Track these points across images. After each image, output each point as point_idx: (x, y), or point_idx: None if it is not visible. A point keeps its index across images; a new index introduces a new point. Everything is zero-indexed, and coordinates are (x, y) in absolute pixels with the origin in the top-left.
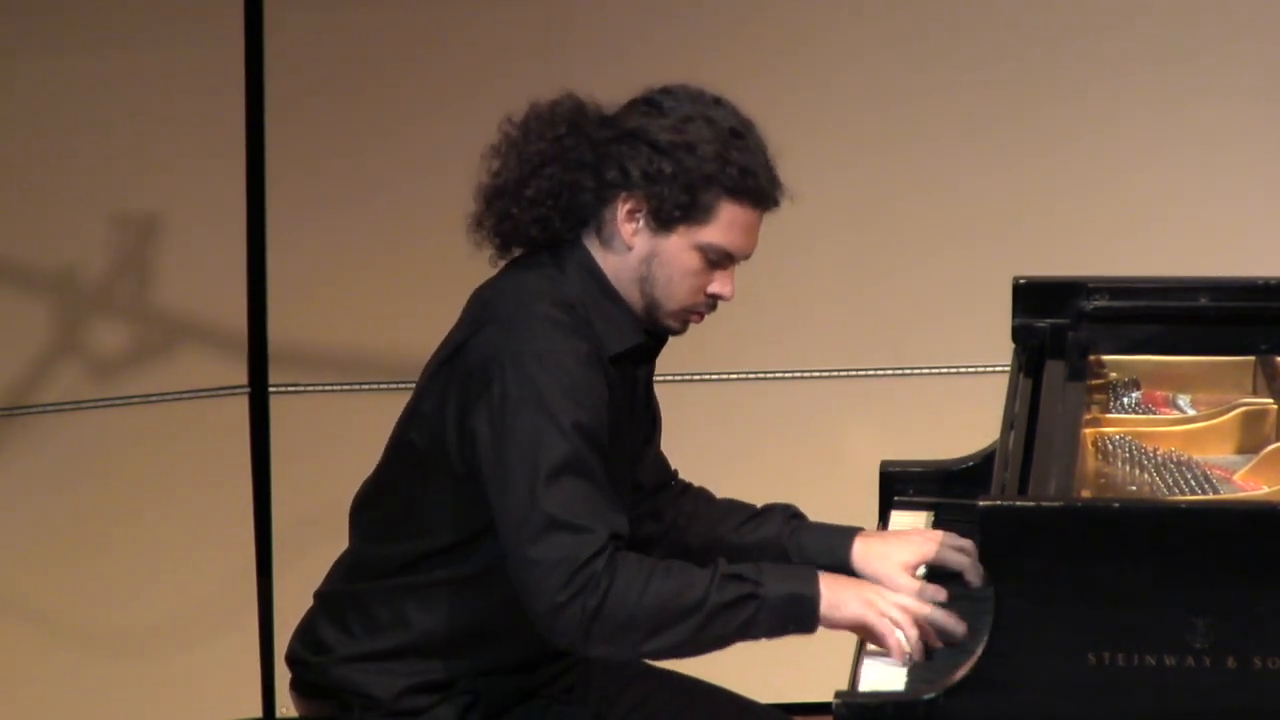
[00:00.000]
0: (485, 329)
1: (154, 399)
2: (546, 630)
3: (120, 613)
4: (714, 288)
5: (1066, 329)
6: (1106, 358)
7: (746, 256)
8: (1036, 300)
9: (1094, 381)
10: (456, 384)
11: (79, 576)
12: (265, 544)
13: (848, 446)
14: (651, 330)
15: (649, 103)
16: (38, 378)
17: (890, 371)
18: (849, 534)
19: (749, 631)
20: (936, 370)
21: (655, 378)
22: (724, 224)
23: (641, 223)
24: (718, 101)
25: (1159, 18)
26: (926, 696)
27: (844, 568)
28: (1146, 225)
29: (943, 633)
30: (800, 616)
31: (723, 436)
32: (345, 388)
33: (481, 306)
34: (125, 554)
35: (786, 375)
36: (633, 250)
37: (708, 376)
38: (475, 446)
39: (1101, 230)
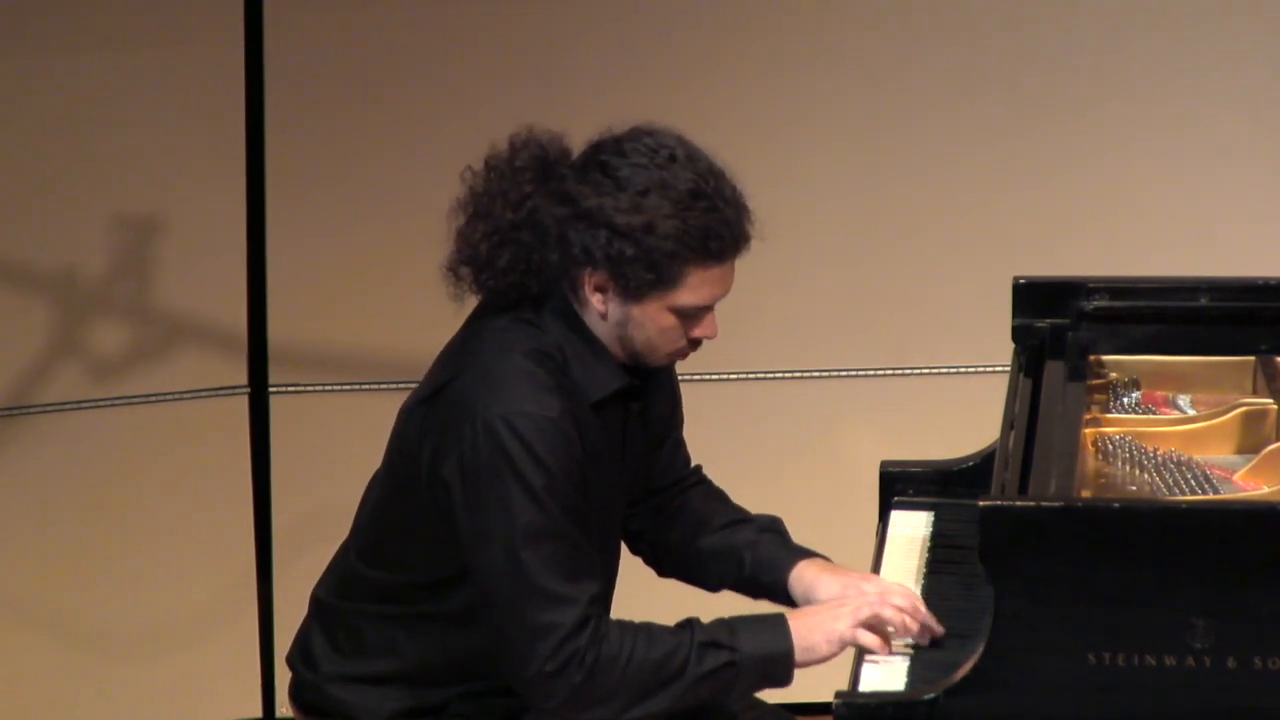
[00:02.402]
0: (461, 377)
1: (154, 399)
2: (527, 694)
3: (120, 613)
4: (697, 333)
5: (1066, 329)
6: (1106, 358)
7: (725, 296)
8: (1036, 300)
9: (1094, 381)
10: (432, 428)
11: (79, 576)
12: (265, 544)
13: (848, 446)
14: (635, 369)
15: (604, 170)
16: (38, 378)
17: (890, 371)
18: (797, 556)
19: (728, 693)
20: (936, 370)
21: None
22: (694, 286)
23: (611, 293)
24: (673, 157)
25: (1159, 22)
26: (927, 697)
27: (783, 586)
28: (1147, 225)
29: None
30: (776, 674)
31: (723, 436)
32: (345, 388)
33: (460, 349)
34: (125, 554)
35: (786, 375)
36: (606, 318)
37: (708, 376)
38: (448, 498)
39: (1101, 230)
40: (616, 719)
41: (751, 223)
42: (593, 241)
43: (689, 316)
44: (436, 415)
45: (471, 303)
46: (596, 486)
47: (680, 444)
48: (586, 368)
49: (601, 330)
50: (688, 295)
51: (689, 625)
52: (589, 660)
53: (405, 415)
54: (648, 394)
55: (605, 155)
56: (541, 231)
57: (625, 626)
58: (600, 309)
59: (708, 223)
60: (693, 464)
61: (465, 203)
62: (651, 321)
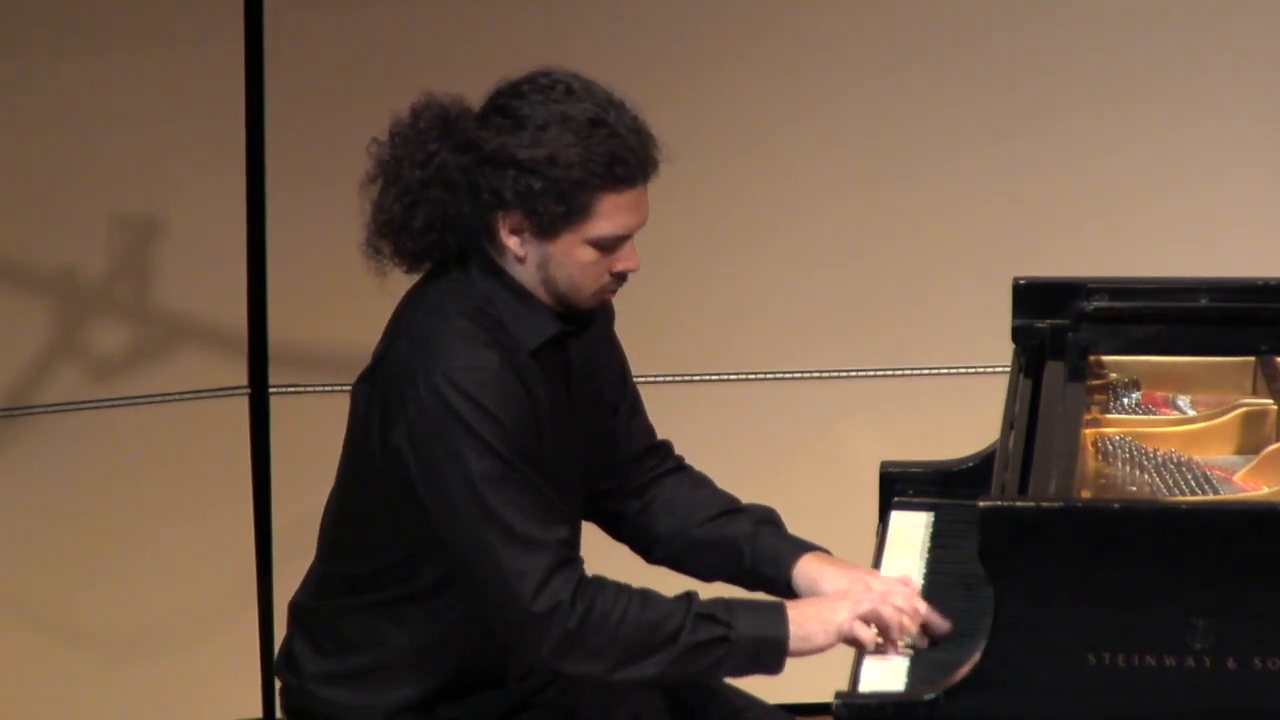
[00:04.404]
0: (396, 344)
1: (154, 399)
2: (515, 640)
3: (120, 613)
4: (619, 267)
5: (1066, 329)
6: (1106, 358)
7: (642, 226)
8: (1036, 301)
9: (1094, 382)
10: (376, 401)
11: (79, 576)
12: (265, 544)
13: (847, 447)
14: (569, 314)
15: (504, 113)
16: (38, 378)
17: (890, 372)
18: (799, 550)
19: (716, 671)
20: (936, 370)
21: (654, 376)
22: (606, 214)
23: (527, 234)
24: (570, 91)
25: (1160, 22)
26: (927, 697)
27: (786, 581)
28: (1147, 225)
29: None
30: (768, 659)
31: (722, 437)
32: (345, 388)
33: (395, 320)
34: (125, 554)
35: (786, 375)
36: (525, 261)
37: (708, 376)
38: (403, 466)
39: (1101, 230)
40: (604, 678)
41: (658, 149)
42: (500, 183)
43: (607, 248)
44: (379, 387)
45: (396, 276)
46: (548, 435)
47: (637, 413)
48: (519, 319)
49: (525, 277)
50: (602, 224)
51: (687, 596)
52: (580, 609)
53: (353, 395)
54: (588, 345)
55: (503, 99)
56: (451, 185)
57: (621, 586)
58: (519, 253)
59: (611, 148)
60: (660, 437)
61: (374, 174)
62: (570, 257)
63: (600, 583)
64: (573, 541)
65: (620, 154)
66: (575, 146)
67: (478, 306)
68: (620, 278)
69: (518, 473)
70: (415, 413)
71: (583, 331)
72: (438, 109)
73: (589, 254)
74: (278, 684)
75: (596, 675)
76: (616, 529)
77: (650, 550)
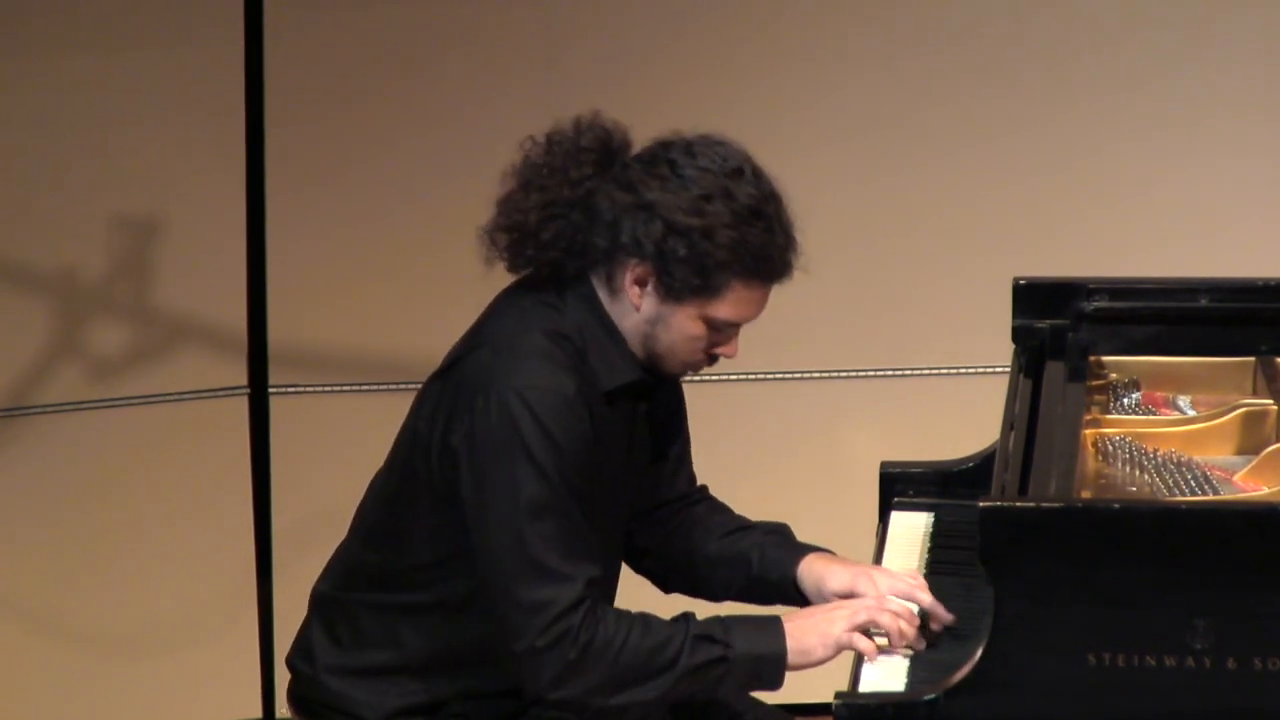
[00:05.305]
0: (478, 351)
1: (154, 399)
2: (518, 671)
3: (120, 613)
4: (719, 350)
5: (1066, 330)
6: (1106, 358)
7: (754, 320)
8: (1036, 301)
9: (1094, 382)
10: (446, 401)
11: (79, 576)
12: (265, 544)
13: (847, 447)
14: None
15: (672, 166)
16: (38, 378)
17: (890, 372)
18: (804, 552)
19: (716, 689)
20: (936, 371)
21: None
22: (733, 301)
23: (650, 288)
24: (739, 171)
25: (1161, 19)
26: (927, 697)
27: (792, 581)
28: (1146, 226)
29: (925, 612)
30: (767, 675)
31: (723, 437)
32: (345, 388)
33: (481, 325)
34: (125, 554)
35: (786, 375)
36: (639, 311)
37: (708, 377)
38: (455, 470)
39: (1101, 230)
40: (604, 704)
41: (797, 256)
42: (646, 234)
43: (717, 330)
44: (451, 387)
45: (498, 270)
46: (603, 475)
47: (684, 462)
48: (603, 355)
49: (628, 323)
50: (725, 309)
51: (684, 618)
52: (582, 640)
53: (422, 391)
54: (656, 400)
55: (674, 154)
56: (594, 214)
57: (621, 614)
58: (635, 302)
59: (763, 242)
60: (698, 483)
61: (519, 171)
62: (681, 326)
63: (602, 612)
64: (602, 582)
65: (769, 250)
66: (732, 229)
67: (565, 332)
68: (713, 359)
69: (562, 504)
70: (480, 421)
71: (657, 390)
72: (601, 132)
73: (699, 329)
74: (287, 673)
75: (596, 703)
76: (639, 562)
77: (667, 578)
